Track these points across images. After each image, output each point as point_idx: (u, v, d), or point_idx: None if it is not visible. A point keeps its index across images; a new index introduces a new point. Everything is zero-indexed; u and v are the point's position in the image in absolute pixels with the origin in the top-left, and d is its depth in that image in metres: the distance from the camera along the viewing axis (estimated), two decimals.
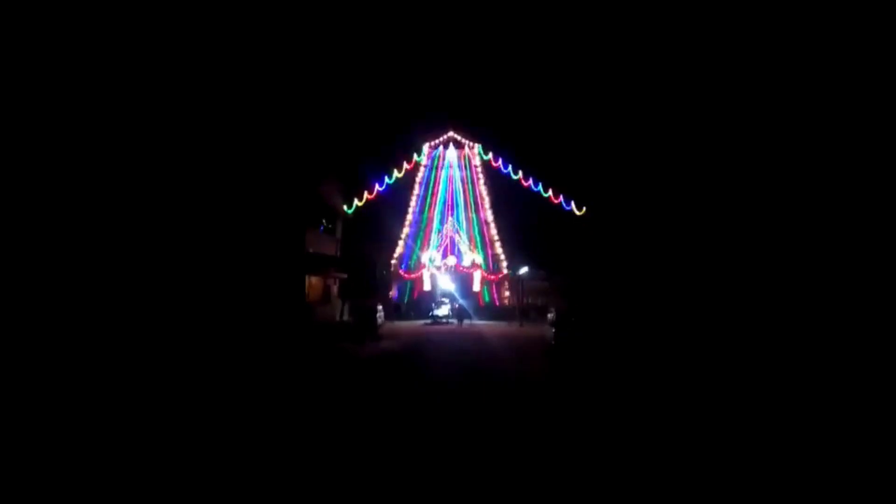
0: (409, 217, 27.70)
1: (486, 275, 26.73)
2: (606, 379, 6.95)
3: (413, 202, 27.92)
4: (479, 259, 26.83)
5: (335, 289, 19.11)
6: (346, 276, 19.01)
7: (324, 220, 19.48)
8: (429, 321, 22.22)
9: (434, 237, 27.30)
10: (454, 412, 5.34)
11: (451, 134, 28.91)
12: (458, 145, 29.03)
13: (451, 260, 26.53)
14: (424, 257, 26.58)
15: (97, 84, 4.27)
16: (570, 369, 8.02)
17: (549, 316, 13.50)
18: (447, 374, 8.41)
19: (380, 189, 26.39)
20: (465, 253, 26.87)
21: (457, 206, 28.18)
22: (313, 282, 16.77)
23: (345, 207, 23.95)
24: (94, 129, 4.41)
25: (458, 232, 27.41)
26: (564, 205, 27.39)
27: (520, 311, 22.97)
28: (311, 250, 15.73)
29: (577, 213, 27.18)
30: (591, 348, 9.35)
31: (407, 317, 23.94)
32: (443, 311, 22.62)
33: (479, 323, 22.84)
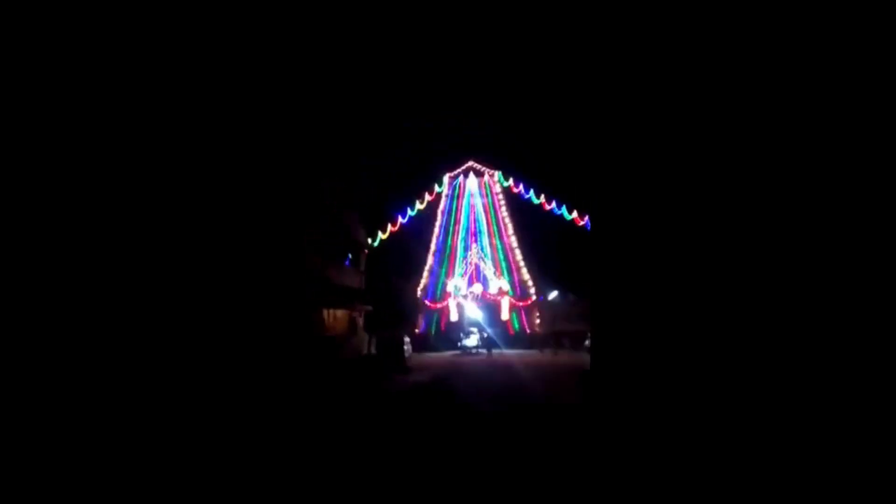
0: (433, 247, 27.52)
1: (514, 301, 25.87)
2: (642, 406, 6.03)
3: (436, 231, 27.80)
4: (506, 285, 26.08)
5: (361, 322, 18.77)
6: (370, 308, 18.69)
7: (349, 254, 19.45)
8: (458, 352, 21.44)
9: (459, 265, 26.88)
10: (488, 452, 4.88)
11: (470, 163, 29.02)
12: (478, 173, 29.03)
13: (478, 287, 25.89)
14: (450, 286, 26.08)
15: (91, 81, 4.26)
16: (608, 395, 7.08)
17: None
18: (479, 409, 7.75)
19: (403, 221, 26.45)
20: (492, 279, 26.21)
21: (480, 233, 27.84)
22: (338, 315, 16.51)
23: (369, 240, 24.02)
24: (85, 128, 4.36)
25: (482, 259, 26.90)
26: (588, 226, 26.51)
27: (553, 339, 21.88)
28: (335, 283, 15.57)
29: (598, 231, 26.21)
30: (626, 371, 8.40)
31: (435, 348, 23.24)
32: (472, 341, 21.83)
33: (510, 352, 21.86)
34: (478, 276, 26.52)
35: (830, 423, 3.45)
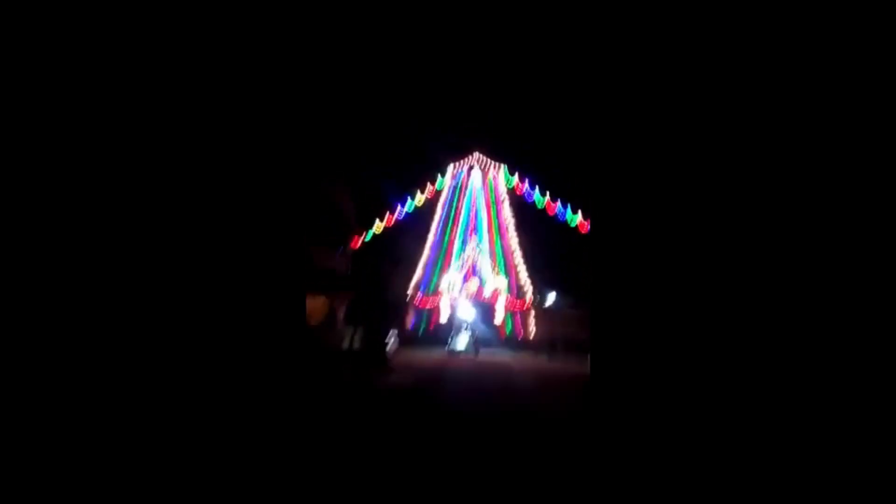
0: (430, 241, 25.85)
1: (510, 302, 24.23)
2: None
3: (434, 225, 26.14)
4: (504, 284, 24.44)
5: (342, 312, 17.05)
6: (353, 296, 16.94)
7: (339, 237, 17.84)
8: (447, 353, 19.80)
9: (455, 261, 25.22)
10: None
11: (475, 155, 27.32)
12: (483, 168, 27.39)
13: (473, 285, 24.20)
14: (443, 282, 24.38)
15: (81, 79, 4.11)
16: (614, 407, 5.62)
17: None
18: (468, 421, 6.12)
19: (402, 212, 24.74)
20: (489, 277, 24.57)
21: (479, 230, 26.23)
22: (317, 302, 14.83)
23: (366, 230, 22.50)
24: (72, 126, 4.16)
25: (480, 255, 25.28)
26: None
27: (549, 344, 20.31)
28: (316, 265, 13.92)
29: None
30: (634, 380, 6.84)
31: (423, 346, 21.65)
32: (462, 341, 20.17)
33: (501, 355, 20.26)
34: (474, 272, 24.85)
35: (834, 429, 3.25)
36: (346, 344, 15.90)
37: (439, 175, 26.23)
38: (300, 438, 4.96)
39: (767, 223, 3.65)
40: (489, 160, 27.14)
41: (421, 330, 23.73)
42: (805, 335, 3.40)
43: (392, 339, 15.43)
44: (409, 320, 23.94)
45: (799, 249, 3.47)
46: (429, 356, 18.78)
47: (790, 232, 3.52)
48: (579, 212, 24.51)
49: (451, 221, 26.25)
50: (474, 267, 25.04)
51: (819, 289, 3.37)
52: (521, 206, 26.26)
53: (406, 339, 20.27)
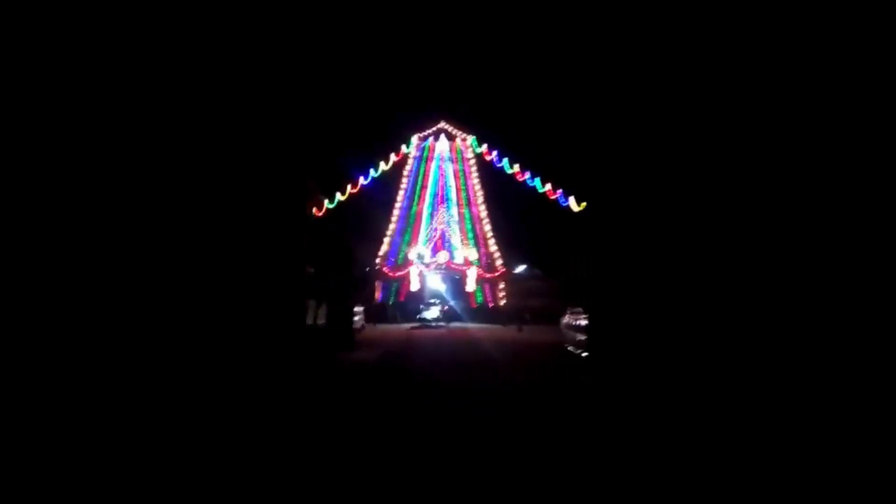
0: (396, 211, 24.70)
1: (480, 273, 23.81)
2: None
3: (401, 195, 24.94)
4: (474, 255, 23.90)
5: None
6: (312, 271, 15.75)
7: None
8: (416, 324, 19.24)
9: (423, 231, 24.32)
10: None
11: (442, 124, 25.98)
12: (450, 136, 26.16)
13: (443, 256, 23.51)
14: (412, 253, 23.53)
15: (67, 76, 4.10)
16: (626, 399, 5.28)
17: (567, 320, 10.61)
18: (437, 402, 5.50)
19: (364, 183, 23.28)
20: (458, 248, 23.93)
21: (448, 200, 25.31)
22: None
23: (326, 202, 20.99)
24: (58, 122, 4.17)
25: (449, 225, 24.49)
26: (562, 200, 24.53)
27: (517, 314, 20.17)
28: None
29: (576, 209, 24.25)
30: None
31: (393, 319, 20.96)
32: (432, 313, 19.64)
33: (472, 326, 19.97)
34: (443, 243, 24.12)
35: (831, 422, 3.21)
36: (308, 320, 14.91)
37: (403, 145, 24.82)
38: (262, 422, 4.51)
39: (758, 214, 3.57)
40: (455, 130, 25.94)
41: (391, 301, 22.97)
42: (799, 326, 3.35)
43: (359, 316, 14.58)
44: (377, 294, 23.10)
45: (793, 242, 3.41)
46: (398, 328, 18.17)
47: (784, 222, 3.45)
48: (548, 184, 24.10)
49: (418, 190, 25.15)
50: (443, 236, 24.28)
51: (816, 285, 3.31)
52: (490, 174, 25.52)
53: (375, 315, 19.51)
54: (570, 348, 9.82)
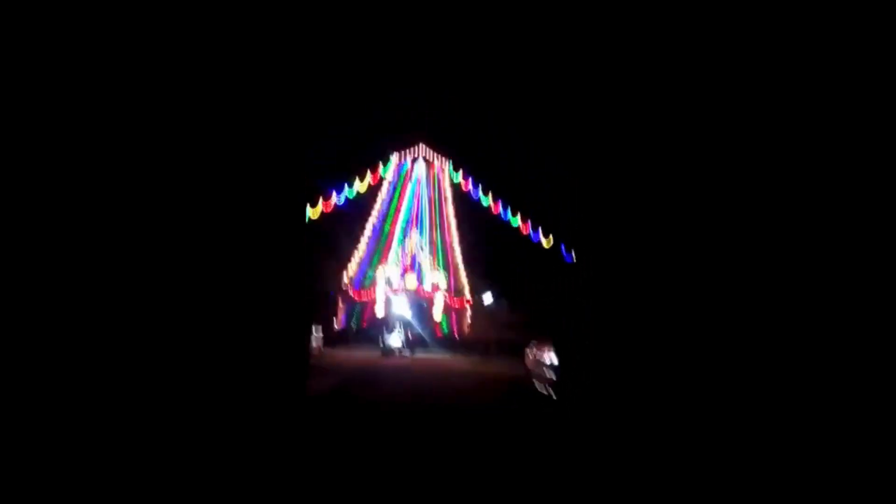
0: (368, 231, 23.93)
1: (448, 301, 23.21)
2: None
3: (374, 215, 24.27)
4: (443, 281, 23.33)
5: None
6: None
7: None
8: (379, 353, 18.19)
9: (393, 254, 23.60)
10: None
11: (420, 146, 25.89)
12: (428, 162, 26.08)
13: (411, 280, 22.76)
14: (380, 275, 22.63)
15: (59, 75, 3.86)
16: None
17: (532, 353, 10.17)
18: (401, 430, 4.84)
19: (338, 203, 22.44)
20: (427, 272, 23.30)
21: (421, 224, 24.91)
22: None
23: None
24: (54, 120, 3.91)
25: (421, 248, 23.94)
26: (533, 236, 24.75)
27: (482, 345, 19.63)
28: None
29: (545, 245, 24.44)
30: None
31: (354, 344, 19.80)
32: (395, 340, 18.68)
33: (436, 356, 19.16)
34: (412, 267, 23.45)
35: (831, 425, 3.05)
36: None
37: (381, 164, 24.39)
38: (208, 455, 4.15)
39: (756, 218, 3.48)
40: (434, 153, 25.90)
41: (354, 325, 21.80)
42: (800, 331, 3.24)
43: (316, 339, 13.55)
44: (340, 316, 21.88)
45: (790, 245, 3.34)
46: (359, 355, 17.08)
47: (780, 224, 3.38)
48: (519, 214, 24.30)
49: (391, 212, 24.60)
50: (413, 261, 23.65)
51: (815, 288, 3.21)
52: (465, 204, 25.45)
53: (334, 340, 18.34)
54: (537, 385, 9.39)
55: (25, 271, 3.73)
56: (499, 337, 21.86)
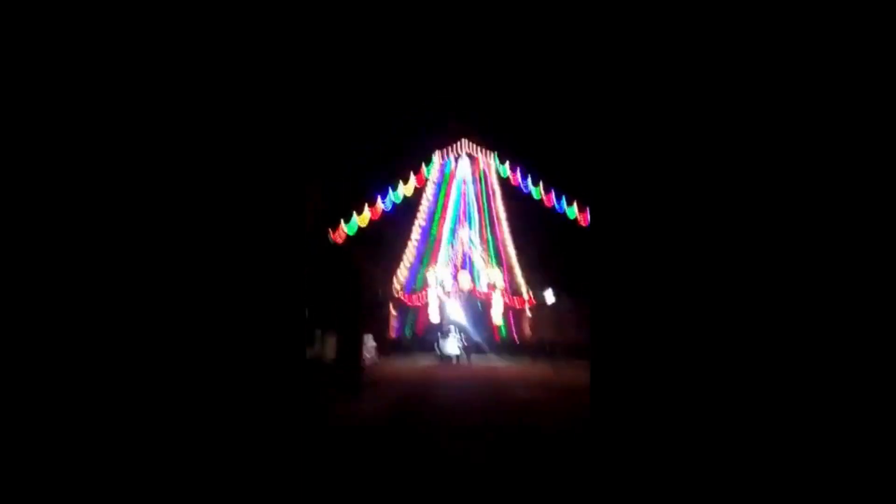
0: (416, 234, 22.69)
1: (507, 301, 21.25)
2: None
3: (420, 216, 23.00)
4: (500, 280, 21.42)
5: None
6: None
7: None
8: (435, 360, 16.66)
9: (444, 253, 22.10)
10: None
11: (463, 141, 24.24)
12: (472, 157, 24.38)
13: (465, 279, 21.07)
14: (431, 276, 21.22)
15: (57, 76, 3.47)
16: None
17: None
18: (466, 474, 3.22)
19: (384, 208, 21.43)
20: (482, 270, 21.48)
21: (470, 219, 23.22)
22: None
23: (343, 226, 19.30)
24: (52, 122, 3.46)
25: (472, 246, 22.22)
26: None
27: (549, 349, 17.48)
28: None
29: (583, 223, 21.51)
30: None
31: (411, 352, 18.52)
32: (451, 345, 16.97)
33: (501, 362, 17.29)
34: (464, 265, 21.78)
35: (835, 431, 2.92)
36: (312, 352, 12.59)
37: (423, 164, 23.12)
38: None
39: (770, 217, 3.14)
40: (478, 147, 24.17)
41: (409, 333, 20.60)
42: (810, 334, 3.00)
43: (371, 353, 12.29)
44: (393, 325, 20.74)
45: (802, 246, 3.07)
46: (414, 366, 15.69)
47: (793, 226, 3.09)
48: (575, 203, 21.79)
49: (438, 212, 23.21)
50: (465, 259, 22.01)
51: (822, 288, 2.98)
52: (515, 198, 23.44)
53: (390, 348, 17.16)
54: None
55: (26, 271, 3.48)
56: (564, 339, 19.54)
